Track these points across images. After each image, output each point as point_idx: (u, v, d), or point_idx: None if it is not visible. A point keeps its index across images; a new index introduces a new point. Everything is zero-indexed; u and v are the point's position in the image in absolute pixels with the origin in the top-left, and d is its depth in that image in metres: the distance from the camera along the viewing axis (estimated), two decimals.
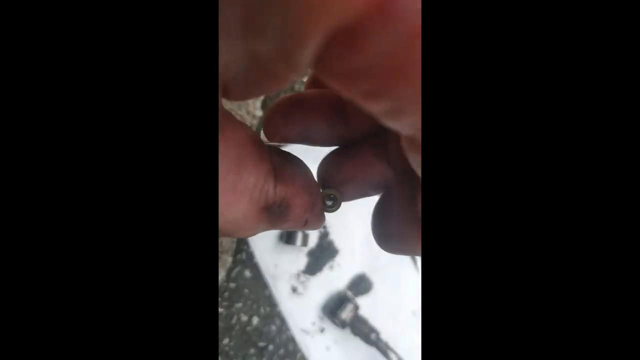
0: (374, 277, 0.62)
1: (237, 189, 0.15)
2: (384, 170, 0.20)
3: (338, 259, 0.61)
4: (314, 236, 0.61)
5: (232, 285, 0.60)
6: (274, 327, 0.61)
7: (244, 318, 0.60)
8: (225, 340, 0.60)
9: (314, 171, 0.21)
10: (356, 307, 0.59)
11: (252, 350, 0.60)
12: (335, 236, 0.61)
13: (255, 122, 0.52)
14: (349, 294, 0.61)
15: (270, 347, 0.60)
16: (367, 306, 0.61)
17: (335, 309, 0.58)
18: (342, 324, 0.58)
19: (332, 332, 0.61)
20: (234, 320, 0.60)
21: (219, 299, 0.60)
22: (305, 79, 0.22)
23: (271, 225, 0.17)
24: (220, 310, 0.60)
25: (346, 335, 0.60)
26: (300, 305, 0.61)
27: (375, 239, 0.22)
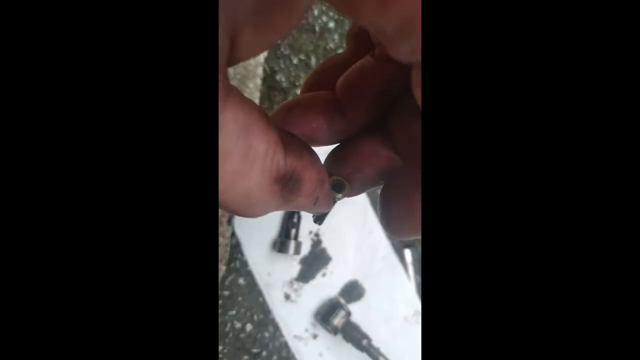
0: (366, 284, 0.63)
1: (249, 157, 0.14)
2: (389, 157, 0.20)
3: (331, 266, 0.62)
4: (306, 244, 0.62)
5: (226, 293, 0.60)
6: (267, 334, 0.61)
7: (238, 325, 0.61)
8: (219, 347, 0.60)
9: None
10: (348, 314, 0.59)
11: (245, 357, 0.61)
12: (328, 244, 0.62)
13: None
14: (341, 300, 0.61)
15: (264, 353, 0.61)
16: (360, 313, 0.62)
17: (328, 315, 0.59)
18: (334, 331, 0.58)
19: (325, 339, 0.61)
20: (227, 328, 0.61)
21: None
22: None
23: (283, 202, 0.17)
24: None
25: (339, 341, 0.60)
26: (293, 313, 0.61)
27: (384, 225, 0.21)
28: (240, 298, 0.61)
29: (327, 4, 0.13)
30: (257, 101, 0.53)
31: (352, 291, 0.62)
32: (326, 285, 0.62)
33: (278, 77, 0.63)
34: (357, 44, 0.21)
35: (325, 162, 0.22)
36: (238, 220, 0.60)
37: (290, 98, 0.21)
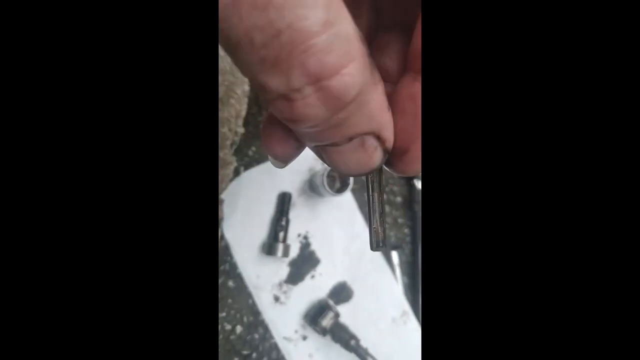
0: (355, 286, 0.64)
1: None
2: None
3: (319, 268, 0.63)
4: (295, 247, 0.63)
5: None
6: (257, 336, 0.62)
7: (228, 327, 0.62)
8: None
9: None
10: (337, 315, 0.60)
11: (236, 359, 0.61)
12: (317, 247, 0.63)
13: (237, 138, 0.53)
14: (330, 302, 0.62)
15: (254, 355, 0.62)
16: (348, 314, 0.63)
17: (317, 317, 0.60)
18: (323, 332, 0.59)
19: (315, 340, 0.62)
20: (218, 330, 0.61)
21: None
22: None
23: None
24: None
25: (328, 342, 0.61)
26: (282, 314, 0.62)
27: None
28: (230, 300, 0.62)
29: None
30: (244, 107, 0.54)
31: (341, 293, 0.63)
32: (315, 287, 0.63)
33: None
34: None
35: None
36: (227, 224, 0.61)
37: None
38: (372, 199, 0.21)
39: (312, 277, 0.63)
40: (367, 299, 0.64)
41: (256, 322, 0.62)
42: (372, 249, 0.21)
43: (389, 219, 0.66)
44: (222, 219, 0.60)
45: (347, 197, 0.64)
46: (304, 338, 0.62)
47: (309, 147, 0.18)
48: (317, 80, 0.13)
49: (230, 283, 0.62)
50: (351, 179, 0.59)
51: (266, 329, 0.62)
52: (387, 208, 0.66)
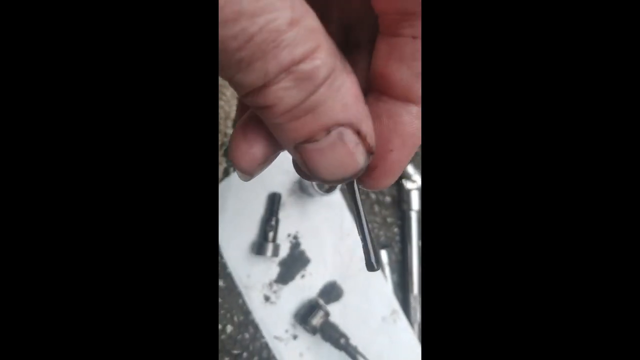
0: (345, 285, 0.64)
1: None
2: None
3: (309, 268, 0.64)
4: (285, 247, 0.63)
5: None
6: (247, 335, 0.62)
7: (218, 327, 0.62)
8: None
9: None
10: (327, 314, 0.61)
11: (226, 359, 0.62)
12: (307, 246, 0.64)
13: (226, 139, 0.54)
14: (320, 301, 0.63)
15: (245, 354, 0.62)
16: (338, 313, 0.63)
17: (307, 316, 0.60)
18: (313, 330, 0.60)
19: (305, 339, 0.63)
20: None
21: None
22: None
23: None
24: None
25: (318, 341, 0.62)
26: (273, 314, 0.62)
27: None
28: (220, 300, 0.62)
29: None
30: (233, 108, 0.55)
31: (331, 292, 0.64)
32: (305, 286, 0.63)
33: None
34: None
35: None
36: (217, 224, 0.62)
37: None
38: (362, 216, 0.21)
39: (303, 276, 0.64)
40: (357, 298, 0.64)
41: (246, 321, 0.62)
42: (369, 269, 0.21)
43: (378, 219, 0.66)
44: None
45: (336, 197, 0.64)
46: (295, 337, 0.63)
47: (290, 152, 0.18)
48: (289, 68, 0.14)
49: (221, 283, 0.62)
50: None
51: (256, 328, 0.62)
52: (376, 208, 0.66)
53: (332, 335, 0.60)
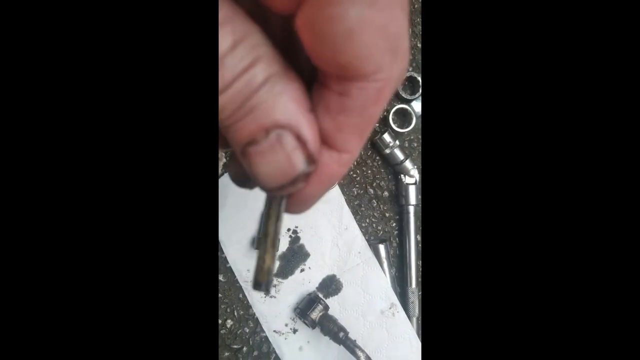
0: (343, 279, 0.65)
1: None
2: None
3: (309, 262, 0.64)
4: (285, 241, 0.64)
5: None
6: (247, 330, 0.63)
7: (219, 321, 0.62)
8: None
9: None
10: (326, 307, 0.61)
11: (226, 354, 0.62)
12: (306, 240, 0.64)
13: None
14: (319, 295, 0.63)
15: (245, 349, 0.62)
16: (337, 306, 0.64)
17: (306, 309, 0.60)
18: (312, 324, 0.60)
19: (305, 333, 0.63)
20: None
21: None
22: None
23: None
24: None
25: (318, 335, 0.62)
26: (272, 308, 0.63)
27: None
28: (220, 295, 0.62)
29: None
30: None
31: (330, 286, 0.64)
32: (305, 280, 0.64)
33: None
34: None
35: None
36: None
37: None
38: (273, 229, 0.22)
39: (302, 270, 0.64)
40: (355, 292, 0.65)
41: (247, 315, 0.63)
42: (253, 287, 0.22)
43: (376, 213, 0.67)
44: None
45: (335, 192, 0.65)
46: (294, 331, 0.63)
47: (240, 159, 0.19)
48: (235, 79, 0.17)
49: (221, 278, 0.62)
50: None
51: (256, 322, 0.63)
52: (374, 202, 0.67)
53: (331, 329, 0.60)
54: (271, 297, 0.63)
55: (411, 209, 0.65)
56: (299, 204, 0.22)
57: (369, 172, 0.67)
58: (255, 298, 0.63)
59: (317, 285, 0.64)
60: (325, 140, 0.20)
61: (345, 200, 0.65)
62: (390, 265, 0.66)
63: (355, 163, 0.67)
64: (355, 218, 0.65)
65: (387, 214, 0.67)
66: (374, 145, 0.66)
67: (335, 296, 0.64)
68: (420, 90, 0.65)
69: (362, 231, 0.65)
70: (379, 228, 0.67)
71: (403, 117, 0.65)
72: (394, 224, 0.67)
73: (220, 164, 0.59)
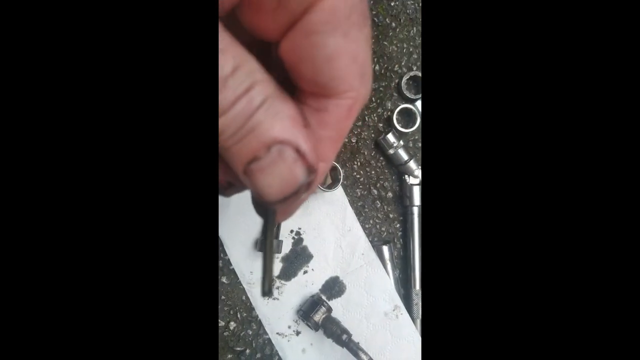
0: (347, 281, 0.64)
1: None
2: None
3: (312, 263, 0.64)
4: (288, 243, 0.63)
5: None
6: (250, 332, 0.62)
7: (221, 323, 0.62)
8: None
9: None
10: (329, 310, 0.61)
11: (229, 356, 0.62)
12: (309, 242, 0.64)
13: None
14: (322, 296, 0.63)
15: (248, 351, 0.62)
16: (341, 309, 0.64)
17: (309, 312, 0.60)
18: (315, 326, 0.60)
19: (308, 335, 0.63)
20: None
21: None
22: None
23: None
24: None
25: (321, 337, 0.62)
26: (275, 310, 0.63)
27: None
28: (223, 297, 0.62)
29: None
30: None
31: (333, 287, 0.64)
32: (308, 282, 0.64)
33: None
34: None
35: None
36: (220, 221, 0.61)
37: None
38: (271, 237, 0.23)
39: (305, 272, 0.64)
40: (359, 294, 0.64)
41: (250, 317, 0.63)
42: (263, 295, 0.23)
43: (380, 214, 0.67)
44: None
45: (339, 193, 0.65)
46: (298, 333, 0.63)
47: (243, 180, 0.20)
48: (235, 102, 0.18)
49: (224, 279, 0.62)
50: (342, 174, 0.60)
51: (259, 324, 0.62)
52: (378, 203, 0.67)
53: (334, 331, 0.60)
54: (274, 299, 0.63)
55: (415, 210, 0.64)
56: (285, 213, 0.25)
57: (373, 172, 0.66)
58: (258, 300, 0.62)
59: (320, 287, 0.64)
60: None
61: (349, 201, 0.65)
62: (394, 267, 0.66)
63: (359, 164, 0.66)
64: (358, 219, 0.65)
65: (391, 215, 0.67)
66: (378, 146, 0.66)
67: (339, 298, 0.64)
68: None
69: (365, 232, 0.65)
70: (383, 229, 0.66)
71: (407, 116, 0.65)
72: (398, 225, 0.67)
73: None
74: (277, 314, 0.63)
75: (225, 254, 0.62)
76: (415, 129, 0.64)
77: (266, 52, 0.22)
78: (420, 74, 0.65)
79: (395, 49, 0.67)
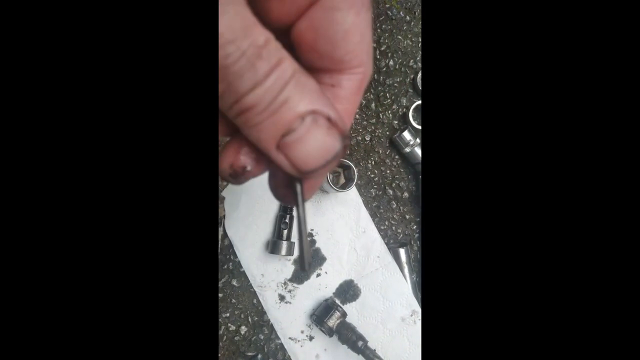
0: (361, 284, 0.62)
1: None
2: None
3: (325, 266, 0.62)
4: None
5: (220, 295, 0.60)
6: (262, 337, 0.61)
7: (232, 327, 0.60)
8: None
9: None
10: (343, 314, 0.59)
11: None
12: (322, 244, 0.62)
13: None
14: (336, 301, 0.61)
15: (259, 356, 0.60)
16: (355, 313, 0.61)
17: (323, 316, 0.58)
18: (330, 332, 0.58)
19: (322, 340, 0.61)
20: (221, 331, 0.60)
21: None
22: None
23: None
24: None
25: (335, 342, 0.60)
26: (288, 314, 0.61)
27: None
28: (234, 300, 0.61)
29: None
30: None
31: (348, 291, 0.62)
32: (321, 285, 0.61)
33: None
34: None
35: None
36: (229, 222, 0.60)
37: None
38: (304, 213, 0.23)
39: (318, 275, 0.62)
40: (374, 298, 0.62)
41: (261, 322, 0.61)
42: (303, 269, 0.24)
43: (395, 215, 0.64)
44: (224, 216, 0.59)
45: (352, 193, 0.62)
46: (311, 338, 0.61)
47: (274, 157, 0.21)
48: (269, 73, 0.19)
49: (234, 282, 0.61)
50: (355, 174, 0.58)
51: (271, 329, 0.61)
52: (394, 204, 0.64)
53: (349, 337, 0.57)
54: (286, 302, 0.61)
55: None
56: (312, 188, 0.25)
57: (388, 172, 0.64)
58: (269, 304, 0.61)
59: (334, 290, 0.62)
60: None
61: (363, 201, 0.62)
62: (411, 271, 0.63)
63: (373, 162, 0.64)
64: (373, 220, 0.62)
65: (407, 216, 0.64)
66: (393, 144, 0.63)
67: (353, 302, 0.62)
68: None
69: (381, 234, 0.62)
70: (399, 231, 0.64)
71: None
72: (415, 227, 0.64)
73: None
74: (289, 318, 0.61)
75: (235, 256, 0.61)
76: None
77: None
78: None
79: (410, 43, 0.64)
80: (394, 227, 0.64)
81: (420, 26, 0.64)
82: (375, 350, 0.58)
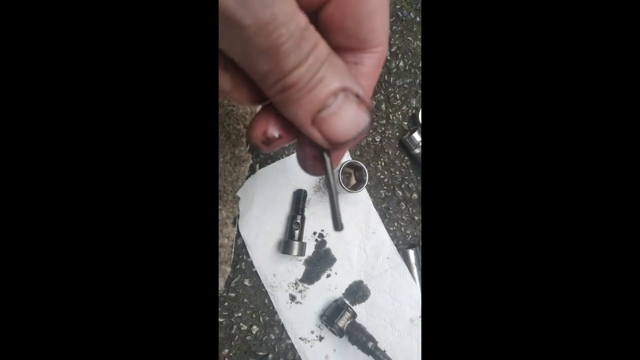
0: (371, 285, 0.62)
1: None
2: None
3: (335, 267, 0.62)
4: (311, 245, 0.62)
5: (232, 295, 0.61)
6: (272, 336, 0.61)
7: (244, 327, 0.61)
8: (225, 351, 0.60)
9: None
10: (353, 315, 0.59)
11: None
12: (332, 245, 0.62)
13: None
14: (346, 301, 0.61)
15: (270, 356, 0.61)
16: (365, 314, 0.62)
17: (333, 317, 0.58)
18: (340, 333, 0.58)
19: (332, 341, 0.61)
20: (233, 330, 0.60)
21: (219, 309, 0.60)
22: None
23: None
24: (221, 320, 0.60)
25: (345, 343, 0.60)
26: (298, 314, 0.61)
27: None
28: (246, 300, 0.61)
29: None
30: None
31: (357, 292, 0.62)
32: (331, 286, 0.62)
33: None
34: None
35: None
36: (243, 222, 0.60)
37: None
38: (334, 179, 0.25)
39: (328, 276, 0.62)
40: (384, 299, 0.62)
41: (272, 322, 0.61)
42: (336, 229, 0.26)
43: (405, 216, 0.64)
44: (238, 216, 0.59)
45: (363, 195, 0.63)
46: (321, 339, 0.61)
47: (308, 131, 0.23)
48: (310, 52, 0.21)
49: (247, 282, 0.61)
50: (367, 176, 0.58)
51: (282, 329, 0.61)
52: (403, 205, 0.64)
53: (359, 338, 0.58)
54: (297, 303, 0.61)
55: None
56: (338, 158, 0.28)
57: (397, 173, 0.64)
58: (281, 304, 0.61)
59: (343, 291, 0.62)
60: None
61: (373, 202, 0.63)
62: (420, 272, 0.63)
63: (383, 164, 0.64)
64: (383, 221, 0.63)
65: (416, 217, 0.64)
66: (403, 145, 0.63)
67: (363, 303, 0.62)
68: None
69: (390, 235, 0.63)
70: (408, 232, 0.64)
71: None
72: None
73: (247, 165, 0.58)
74: (300, 318, 0.61)
75: (248, 256, 0.61)
76: None
77: None
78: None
79: (420, 44, 0.65)
80: (402, 228, 0.64)
81: None
82: (384, 351, 0.58)
